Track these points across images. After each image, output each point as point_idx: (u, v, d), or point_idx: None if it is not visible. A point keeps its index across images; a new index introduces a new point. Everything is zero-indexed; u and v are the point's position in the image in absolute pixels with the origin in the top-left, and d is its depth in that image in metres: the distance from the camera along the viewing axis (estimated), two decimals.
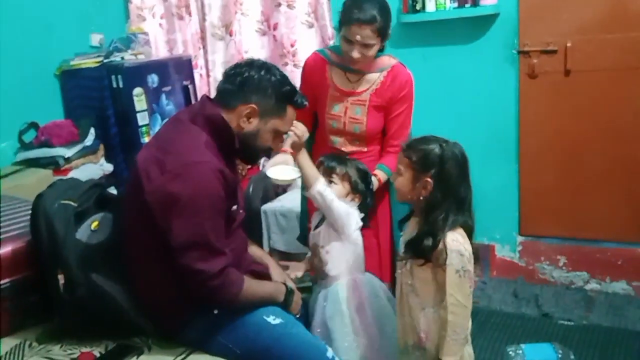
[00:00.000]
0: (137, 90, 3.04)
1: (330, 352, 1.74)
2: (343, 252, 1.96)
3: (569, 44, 2.77)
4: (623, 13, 2.68)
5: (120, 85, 3.01)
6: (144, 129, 3.07)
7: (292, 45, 3.33)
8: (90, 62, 3.08)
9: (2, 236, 1.85)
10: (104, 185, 2.03)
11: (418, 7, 2.99)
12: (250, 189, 3.20)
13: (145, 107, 3.07)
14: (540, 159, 2.95)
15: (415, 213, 1.70)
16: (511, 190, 3.04)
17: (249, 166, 3.41)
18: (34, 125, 2.94)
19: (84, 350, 1.73)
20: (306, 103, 1.79)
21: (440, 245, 1.56)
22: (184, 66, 3.34)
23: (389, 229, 2.26)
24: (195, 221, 1.57)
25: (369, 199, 2.00)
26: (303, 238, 2.39)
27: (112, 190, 2.09)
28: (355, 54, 2.06)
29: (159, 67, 3.17)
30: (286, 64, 3.34)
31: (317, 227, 2.03)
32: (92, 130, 3.01)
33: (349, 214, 1.91)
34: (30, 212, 1.81)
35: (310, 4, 3.26)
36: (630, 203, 2.81)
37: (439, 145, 1.60)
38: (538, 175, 2.96)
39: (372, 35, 2.02)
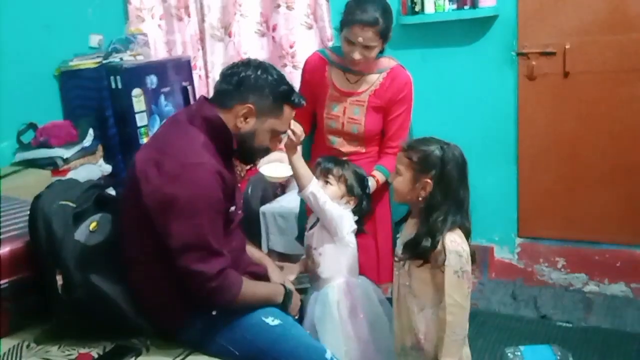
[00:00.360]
0: (136, 91, 3.04)
1: (329, 354, 1.73)
2: (336, 255, 1.96)
3: (567, 46, 2.78)
4: (622, 15, 2.68)
5: (119, 86, 3.01)
6: (142, 129, 3.07)
7: (291, 47, 3.33)
8: (89, 63, 3.08)
9: (1, 237, 1.85)
10: (102, 186, 2.02)
11: (417, 8, 2.99)
12: (249, 190, 3.20)
13: (144, 107, 3.07)
14: (539, 160, 2.95)
15: (413, 214, 1.70)
16: (510, 192, 3.04)
17: (248, 167, 3.41)
18: (32, 126, 2.94)
19: (82, 351, 1.73)
20: (303, 102, 1.79)
21: (439, 246, 1.57)
22: (183, 67, 3.33)
23: (389, 230, 2.26)
24: (194, 223, 1.56)
25: (365, 203, 2.00)
26: (301, 239, 2.39)
27: (111, 191, 2.08)
28: (357, 55, 2.06)
29: (158, 68, 3.17)
30: (285, 65, 3.34)
31: (311, 228, 2.03)
32: (90, 131, 3.00)
33: (342, 217, 1.91)
34: (28, 212, 1.81)
35: (309, 6, 3.26)
36: (629, 205, 2.81)
37: (439, 147, 1.61)
38: (537, 177, 2.97)
39: (374, 37, 2.03)
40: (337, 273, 1.97)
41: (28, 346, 1.77)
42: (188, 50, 3.53)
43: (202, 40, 3.55)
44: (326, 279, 1.97)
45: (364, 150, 2.24)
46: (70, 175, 2.76)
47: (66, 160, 2.85)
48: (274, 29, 3.37)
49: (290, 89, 1.76)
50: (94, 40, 3.26)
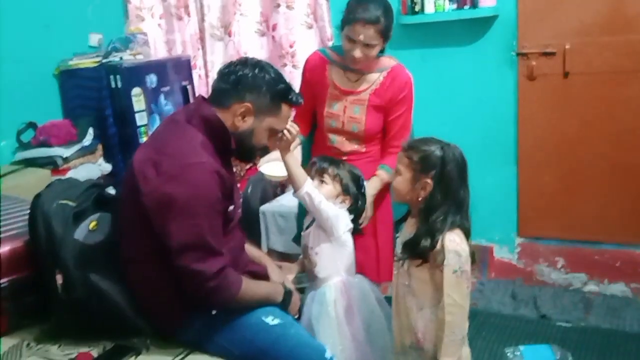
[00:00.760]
0: (136, 91, 3.04)
1: (328, 353, 1.73)
2: (332, 254, 1.96)
3: (567, 46, 2.78)
4: (622, 15, 2.68)
5: (119, 85, 3.00)
6: (142, 129, 3.07)
7: (291, 46, 3.33)
8: (88, 62, 3.08)
9: (1, 236, 1.84)
10: (102, 186, 2.02)
11: (417, 8, 2.99)
12: (249, 190, 3.20)
13: (143, 107, 3.07)
14: (539, 160, 2.95)
15: (412, 214, 1.71)
16: (510, 191, 3.04)
17: (248, 166, 3.41)
18: (32, 125, 2.94)
19: (82, 350, 1.72)
20: (301, 101, 1.79)
21: (438, 246, 1.57)
22: (183, 67, 3.33)
23: (390, 229, 2.26)
24: (192, 222, 1.56)
25: (360, 202, 2.00)
26: (298, 239, 2.39)
27: (111, 191, 2.08)
28: (357, 54, 2.06)
29: (158, 67, 3.17)
30: (285, 64, 3.34)
31: (307, 228, 2.03)
32: (90, 130, 3.00)
33: (338, 216, 1.91)
34: (28, 212, 1.81)
35: (309, 5, 3.26)
36: (628, 205, 2.82)
37: (440, 147, 1.61)
38: (537, 176, 2.97)
39: (375, 35, 2.03)
40: (334, 272, 1.97)
41: (28, 345, 1.77)
42: (188, 50, 3.53)
43: (202, 39, 3.55)
44: (323, 278, 1.97)
45: (364, 150, 2.24)
46: (69, 174, 2.76)
47: (66, 160, 2.85)
48: (273, 29, 3.37)
49: (288, 87, 1.76)
50: (94, 39, 3.26)
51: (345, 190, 1.96)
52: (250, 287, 1.72)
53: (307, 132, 2.38)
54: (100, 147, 3.05)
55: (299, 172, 1.88)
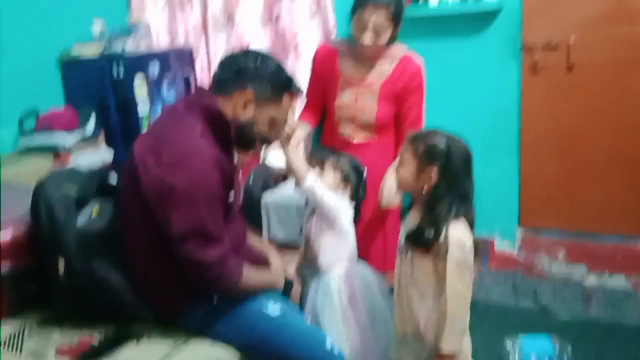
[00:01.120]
0: (138, 80, 3.03)
1: (329, 342, 1.74)
2: (334, 243, 1.97)
3: (572, 39, 2.77)
4: (627, 7, 2.67)
5: (121, 74, 3.00)
6: (144, 118, 3.06)
7: (294, 37, 3.32)
8: (91, 51, 3.07)
9: (3, 222, 1.85)
10: (104, 173, 2.03)
11: (420, 0, 2.98)
12: (251, 180, 3.19)
13: (146, 96, 3.06)
14: (541, 153, 2.94)
15: (416, 204, 1.71)
16: (512, 184, 3.04)
17: (250, 157, 3.41)
18: (34, 113, 2.93)
19: (84, 336, 1.74)
20: (303, 92, 1.80)
21: (442, 237, 1.57)
22: (186, 57, 3.33)
23: (398, 219, 2.26)
24: (193, 211, 1.57)
25: (361, 191, 2.01)
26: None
27: (113, 179, 2.09)
28: (367, 39, 2.05)
29: (160, 57, 3.16)
30: (288, 55, 3.33)
31: (309, 218, 2.04)
32: (92, 119, 3.00)
33: (340, 207, 1.92)
34: (30, 199, 1.81)
35: None
36: (631, 198, 2.81)
37: (445, 140, 1.61)
38: (539, 169, 2.96)
39: (386, 19, 2.02)
40: (336, 262, 1.98)
41: (30, 330, 1.78)
42: (191, 40, 3.52)
43: (204, 29, 3.54)
44: (326, 268, 1.98)
45: (375, 141, 2.24)
46: (72, 162, 2.76)
47: (68, 148, 2.85)
48: (277, 19, 3.36)
49: (290, 78, 1.76)
50: (96, 28, 3.25)
51: (346, 180, 1.96)
52: (251, 275, 1.73)
53: (316, 123, 2.38)
54: (102, 135, 3.05)
55: (301, 166, 1.88)
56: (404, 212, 1.80)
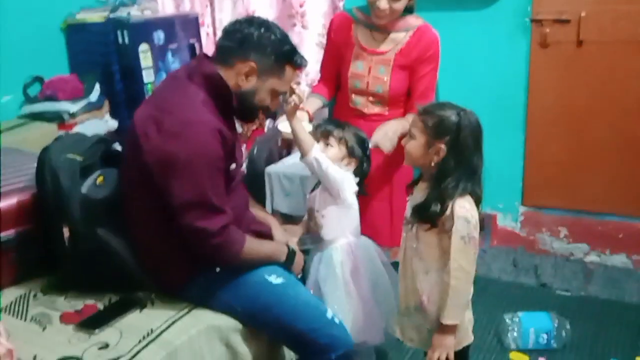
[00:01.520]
0: (143, 47, 3.00)
1: (330, 313, 1.76)
2: (338, 216, 1.97)
3: (583, 14, 2.72)
4: None
5: (126, 41, 2.97)
6: (149, 86, 3.05)
7: (301, 6, 3.27)
8: (96, 17, 3.04)
9: (8, 188, 1.86)
10: (109, 141, 2.02)
11: None
12: (255, 151, 3.19)
13: (150, 64, 3.04)
14: (548, 129, 2.92)
15: (424, 178, 1.70)
16: (516, 160, 3.02)
17: (254, 127, 3.40)
18: (39, 79, 2.92)
19: (88, 302, 1.76)
20: (306, 63, 1.77)
21: (448, 212, 1.56)
22: (191, 24, 3.29)
23: (404, 194, 2.26)
24: (195, 180, 1.57)
25: (366, 165, 2.00)
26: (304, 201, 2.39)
27: (117, 147, 2.09)
28: (383, 4, 2.02)
29: (166, 24, 3.13)
30: (294, 24, 3.29)
31: (312, 190, 2.04)
32: (97, 86, 2.99)
33: (344, 179, 1.92)
34: (35, 165, 1.81)
35: None
36: (636, 177, 2.80)
37: (456, 113, 1.58)
38: (544, 146, 2.95)
39: None
40: (339, 234, 1.98)
41: (35, 296, 1.80)
42: (196, 7, 3.47)
43: None
44: (329, 240, 1.99)
45: (387, 113, 2.22)
46: (76, 129, 2.76)
47: (72, 115, 2.84)
48: None
49: (293, 49, 1.74)
50: None
51: (350, 153, 1.96)
52: (253, 246, 1.74)
53: (331, 95, 2.36)
54: (106, 103, 3.04)
55: (307, 137, 1.87)
56: (408, 186, 1.79)
